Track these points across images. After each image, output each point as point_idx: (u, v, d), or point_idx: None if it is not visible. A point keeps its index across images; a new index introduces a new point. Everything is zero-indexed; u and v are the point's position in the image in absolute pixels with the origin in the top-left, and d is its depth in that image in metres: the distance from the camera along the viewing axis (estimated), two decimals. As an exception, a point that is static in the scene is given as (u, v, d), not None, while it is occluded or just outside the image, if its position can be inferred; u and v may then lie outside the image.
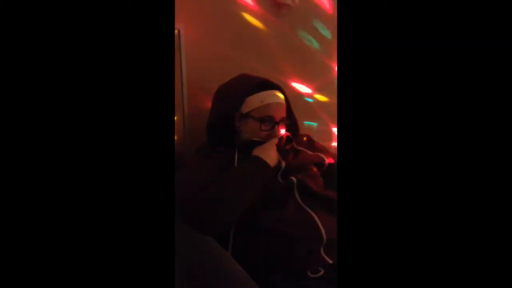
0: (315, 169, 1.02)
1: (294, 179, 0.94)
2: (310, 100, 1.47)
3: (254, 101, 1.00)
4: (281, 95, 1.03)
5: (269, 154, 0.93)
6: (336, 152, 1.14)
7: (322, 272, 0.84)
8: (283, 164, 0.97)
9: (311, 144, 1.11)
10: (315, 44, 1.44)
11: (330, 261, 0.85)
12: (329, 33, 1.47)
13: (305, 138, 1.13)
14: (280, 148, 0.96)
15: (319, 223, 0.88)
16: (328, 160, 1.04)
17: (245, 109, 1.01)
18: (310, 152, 1.04)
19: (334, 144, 1.51)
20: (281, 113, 1.02)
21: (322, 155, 1.04)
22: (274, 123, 1.00)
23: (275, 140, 0.97)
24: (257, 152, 0.94)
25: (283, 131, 1.01)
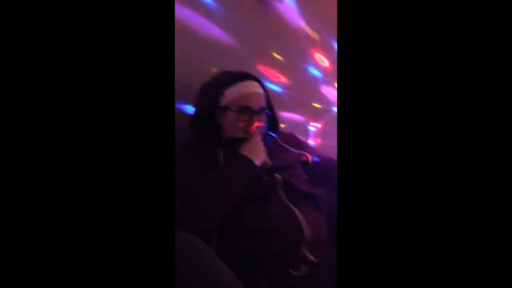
0: (299, 167, 1.02)
1: (278, 176, 0.94)
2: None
3: (232, 93, 0.99)
4: (258, 85, 1.03)
5: (256, 152, 0.92)
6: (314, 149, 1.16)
7: (304, 270, 0.85)
8: (270, 162, 0.97)
9: (294, 141, 1.11)
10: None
11: (313, 259, 0.86)
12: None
13: (289, 135, 1.13)
14: (266, 145, 0.96)
15: (303, 221, 0.88)
16: (312, 158, 1.04)
17: (223, 102, 1.00)
18: (294, 150, 1.05)
19: (310, 142, 1.52)
20: (259, 103, 1.01)
21: (306, 153, 1.05)
22: (252, 113, 0.99)
23: (260, 137, 0.96)
24: (244, 150, 0.93)
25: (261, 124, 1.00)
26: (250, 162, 0.90)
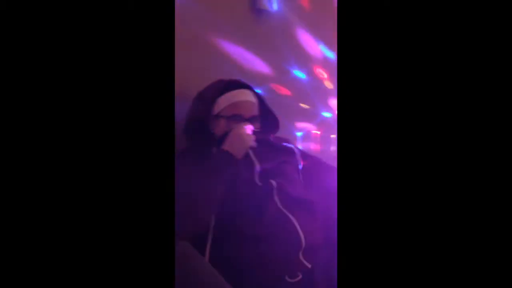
0: (294, 172, 1.02)
1: (273, 182, 0.94)
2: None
3: (224, 101, 1.00)
4: (251, 94, 1.03)
5: (237, 145, 0.92)
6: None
7: (300, 277, 0.85)
8: (257, 166, 0.96)
9: (290, 148, 1.11)
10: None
11: (309, 266, 0.86)
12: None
13: (285, 142, 1.13)
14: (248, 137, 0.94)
15: (298, 228, 0.88)
16: (305, 163, 1.05)
17: (216, 110, 1.00)
18: (289, 156, 1.05)
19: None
20: (251, 111, 1.01)
21: (300, 158, 1.05)
22: (243, 121, 0.99)
23: (239, 130, 0.95)
24: (225, 145, 0.92)
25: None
26: (231, 157, 0.90)
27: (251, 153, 0.97)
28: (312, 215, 0.93)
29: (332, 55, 1.55)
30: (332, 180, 0.99)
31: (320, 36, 1.52)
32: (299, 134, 1.52)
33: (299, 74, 1.49)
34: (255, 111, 1.02)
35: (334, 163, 1.16)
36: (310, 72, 1.52)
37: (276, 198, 0.92)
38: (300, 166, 1.05)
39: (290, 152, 1.06)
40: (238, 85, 1.03)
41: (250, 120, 0.99)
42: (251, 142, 0.93)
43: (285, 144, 1.07)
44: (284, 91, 1.45)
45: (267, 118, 1.07)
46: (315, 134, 1.56)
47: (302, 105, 1.53)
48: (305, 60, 1.49)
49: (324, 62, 1.55)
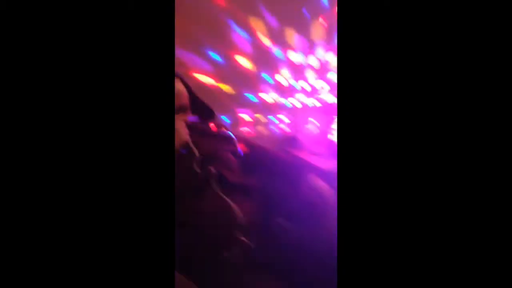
0: (232, 158, 1.05)
1: (212, 169, 0.96)
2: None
3: None
4: (178, 80, 1.02)
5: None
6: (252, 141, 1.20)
7: (239, 252, 0.89)
8: (197, 152, 0.97)
9: (226, 134, 1.13)
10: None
11: (247, 241, 0.91)
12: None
13: (222, 128, 1.14)
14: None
15: (234, 207, 0.91)
16: (243, 148, 1.08)
17: None
18: (226, 143, 1.07)
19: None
20: (179, 100, 1.00)
21: (236, 143, 1.08)
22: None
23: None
24: None
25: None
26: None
27: (189, 143, 0.97)
28: (250, 196, 0.98)
29: (246, 35, 1.58)
30: (266, 163, 1.04)
31: (236, 19, 1.54)
32: (227, 120, 1.55)
33: (218, 58, 1.50)
34: (184, 100, 1.01)
35: (267, 145, 1.22)
36: (229, 57, 1.54)
37: (214, 184, 0.95)
38: (237, 152, 1.09)
39: (226, 138, 1.08)
40: None
41: (180, 110, 0.98)
42: (184, 136, 0.93)
43: (220, 131, 1.09)
44: (206, 78, 1.45)
45: (197, 108, 1.07)
46: (246, 118, 1.59)
47: (226, 90, 1.55)
48: (223, 44, 1.50)
49: (243, 44, 1.57)
